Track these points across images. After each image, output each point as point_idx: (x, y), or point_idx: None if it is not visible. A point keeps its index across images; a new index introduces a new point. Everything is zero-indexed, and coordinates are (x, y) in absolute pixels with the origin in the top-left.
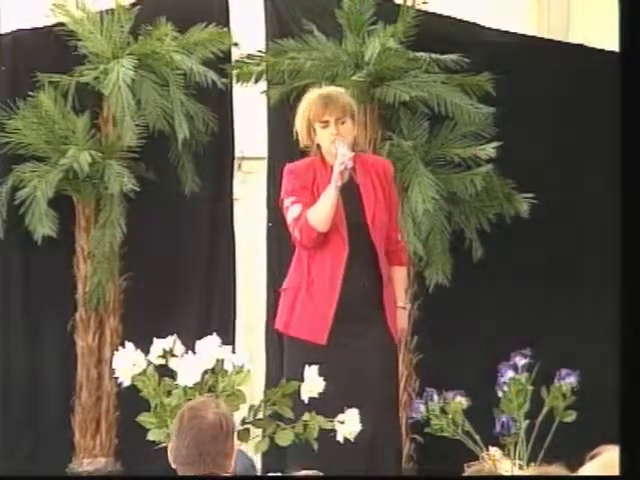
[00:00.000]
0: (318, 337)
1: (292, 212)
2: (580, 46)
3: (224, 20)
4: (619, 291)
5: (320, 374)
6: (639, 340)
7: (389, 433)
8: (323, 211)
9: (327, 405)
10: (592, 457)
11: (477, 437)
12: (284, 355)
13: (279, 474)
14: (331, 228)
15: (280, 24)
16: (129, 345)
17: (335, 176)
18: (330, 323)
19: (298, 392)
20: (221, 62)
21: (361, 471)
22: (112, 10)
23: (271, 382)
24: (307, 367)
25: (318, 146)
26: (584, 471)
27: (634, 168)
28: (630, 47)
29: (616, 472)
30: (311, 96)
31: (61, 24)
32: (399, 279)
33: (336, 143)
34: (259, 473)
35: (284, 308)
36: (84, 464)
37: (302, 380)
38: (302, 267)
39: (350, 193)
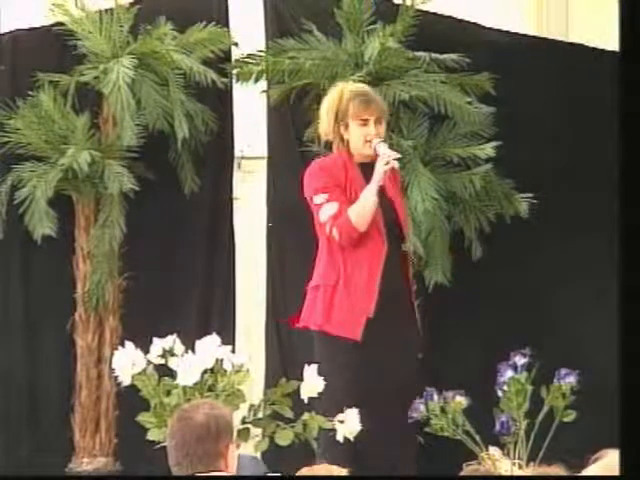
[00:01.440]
0: (354, 334)
1: (328, 210)
2: (579, 46)
3: (224, 20)
4: (618, 290)
5: (353, 371)
6: (639, 340)
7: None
8: (366, 210)
9: (362, 401)
10: (595, 460)
11: (477, 437)
12: (317, 351)
13: (279, 474)
14: (370, 227)
15: (280, 24)
16: (129, 344)
17: (379, 175)
18: (366, 320)
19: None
20: (221, 62)
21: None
22: (111, 9)
23: (271, 381)
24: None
25: (345, 142)
26: (587, 473)
27: (633, 168)
28: (630, 47)
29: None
30: (345, 91)
31: (60, 24)
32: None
33: (378, 143)
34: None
35: (318, 305)
36: (83, 464)
37: (333, 377)
38: (336, 264)
39: (380, 192)
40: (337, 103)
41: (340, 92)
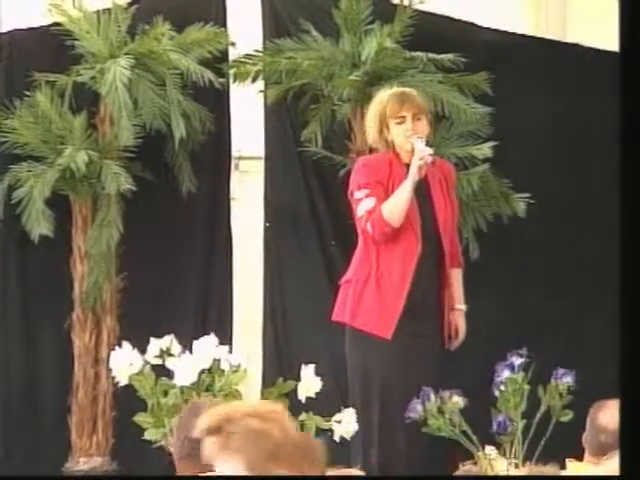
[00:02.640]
0: (384, 331)
1: (365, 205)
2: (576, 45)
3: (221, 20)
4: (618, 290)
5: (382, 367)
6: (639, 340)
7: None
8: (398, 206)
9: (391, 398)
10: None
11: (474, 437)
12: (348, 346)
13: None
14: (405, 224)
15: (277, 24)
16: (126, 345)
17: (413, 171)
18: (397, 318)
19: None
20: (218, 62)
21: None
22: (109, 10)
23: (268, 381)
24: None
25: (390, 144)
26: (599, 471)
27: (633, 167)
28: (630, 47)
29: None
30: (384, 95)
31: (58, 24)
32: (458, 281)
33: (414, 139)
34: None
35: (350, 299)
36: (80, 463)
37: (363, 372)
38: (370, 260)
39: (422, 193)
40: (378, 108)
41: (380, 97)
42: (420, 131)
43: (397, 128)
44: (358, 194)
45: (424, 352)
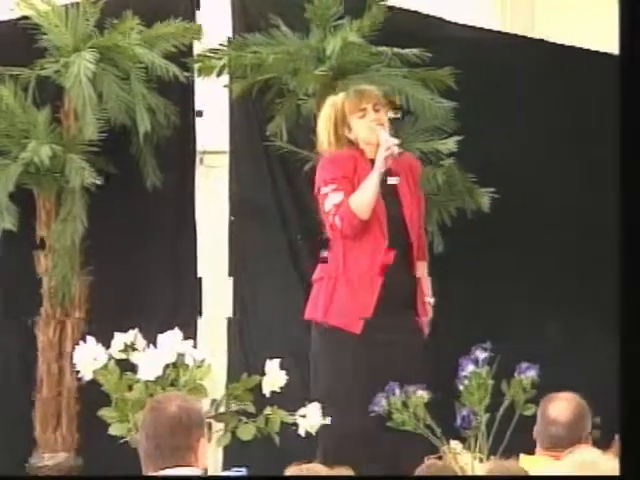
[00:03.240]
0: (354, 326)
1: (333, 199)
2: (542, 41)
3: (190, 14)
4: (619, 290)
5: (352, 364)
6: (638, 340)
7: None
8: (366, 197)
9: (354, 395)
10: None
11: (438, 431)
12: (317, 343)
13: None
14: (372, 219)
15: (247, 18)
16: (90, 339)
17: (380, 162)
18: (367, 313)
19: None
20: (183, 56)
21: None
22: (77, 3)
23: (233, 376)
24: (269, 361)
25: (355, 141)
26: (559, 467)
27: (634, 168)
28: (630, 45)
29: (590, 472)
30: (336, 98)
31: (26, 17)
32: (424, 274)
33: (378, 130)
34: None
35: (321, 297)
36: (44, 459)
37: (334, 369)
38: (339, 257)
39: (387, 187)
40: (332, 111)
41: (332, 101)
42: (382, 121)
43: (360, 122)
44: (325, 189)
45: (399, 346)
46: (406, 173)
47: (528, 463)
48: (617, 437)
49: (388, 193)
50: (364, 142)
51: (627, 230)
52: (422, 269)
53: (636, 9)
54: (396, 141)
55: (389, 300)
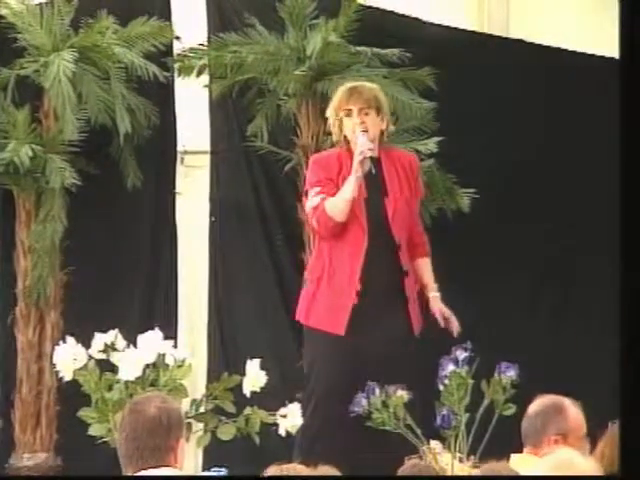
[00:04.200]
0: (337, 328)
1: (312, 202)
2: (520, 41)
3: (166, 13)
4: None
5: (338, 364)
6: (638, 340)
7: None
8: (340, 201)
9: (341, 394)
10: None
11: (418, 430)
12: (304, 345)
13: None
14: (351, 219)
15: (222, 17)
16: (70, 339)
17: (355, 166)
18: (348, 314)
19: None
20: (163, 55)
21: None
22: (52, 2)
23: (213, 376)
24: (250, 361)
25: (345, 138)
26: (539, 466)
27: (634, 169)
28: (629, 46)
29: (569, 473)
30: (341, 88)
31: (0, 16)
32: (427, 270)
33: (357, 133)
34: None
35: (304, 299)
36: (24, 459)
37: (317, 370)
38: (322, 258)
39: (375, 185)
40: (333, 101)
41: (338, 90)
42: (367, 125)
43: (346, 121)
44: (310, 192)
45: (384, 344)
46: (397, 168)
47: (519, 462)
48: (602, 439)
49: (375, 190)
50: (351, 141)
51: (625, 229)
52: (425, 265)
53: (636, 11)
54: (371, 145)
55: (373, 298)
